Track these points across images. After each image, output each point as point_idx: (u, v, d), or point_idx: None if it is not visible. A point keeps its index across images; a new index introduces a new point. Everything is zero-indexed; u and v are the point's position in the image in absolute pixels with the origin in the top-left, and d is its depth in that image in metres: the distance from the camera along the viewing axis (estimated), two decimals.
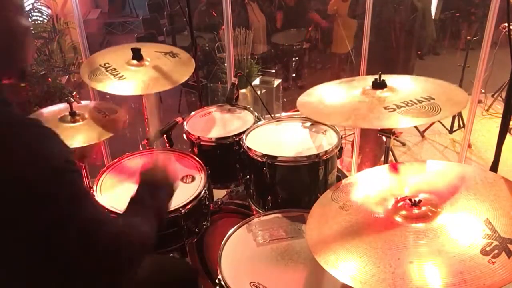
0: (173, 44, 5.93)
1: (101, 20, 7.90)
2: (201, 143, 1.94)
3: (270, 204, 1.72)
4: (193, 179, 1.74)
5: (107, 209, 1.57)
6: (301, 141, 1.76)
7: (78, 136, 1.75)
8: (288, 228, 1.52)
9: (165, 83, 1.94)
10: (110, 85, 1.90)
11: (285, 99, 4.71)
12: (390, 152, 1.75)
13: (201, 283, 1.86)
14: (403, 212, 1.12)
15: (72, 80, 4.50)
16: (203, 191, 1.68)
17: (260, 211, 1.75)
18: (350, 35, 4.97)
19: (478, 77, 2.93)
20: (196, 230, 1.71)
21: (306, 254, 1.37)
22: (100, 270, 0.91)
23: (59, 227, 0.84)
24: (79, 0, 2.69)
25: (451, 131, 4.31)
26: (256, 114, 2.08)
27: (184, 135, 2.02)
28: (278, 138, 1.82)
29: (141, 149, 2.00)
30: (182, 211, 1.59)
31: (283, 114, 4.13)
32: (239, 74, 2.25)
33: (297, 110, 1.63)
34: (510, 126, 1.87)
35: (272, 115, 2.49)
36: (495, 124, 4.43)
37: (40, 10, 4.24)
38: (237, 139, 1.88)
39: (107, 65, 2.00)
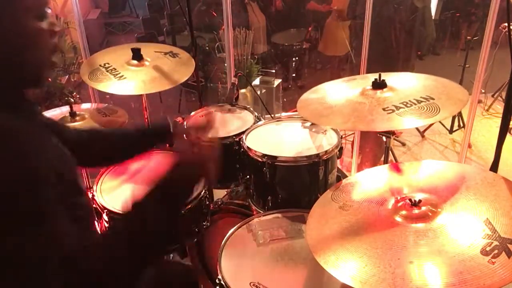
0: (173, 44, 5.93)
1: (101, 20, 7.90)
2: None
3: (270, 204, 1.72)
4: None
5: (107, 209, 1.57)
6: (301, 141, 1.76)
7: None
8: (288, 228, 1.51)
9: (165, 83, 1.95)
10: (110, 85, 1.91)
11: (285, 99, 4.70)
12: (390, 152, 1.75)
13: (201, 283, 1.86)
14: (403, 212, 1.12)
15: (72, 80, 4.51)
16: (203, 191, 1.68)
17: (260, 211, 1.75)
18: (345, 38, 4.95)
19: (478, 77, 2.93)
20: (196, 230, 1.71)
21: (306, 254, 1.37)
22: None
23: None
24: (79, 0, 2.69)
25: (451, 131, 4.31)
26: (256, 114, 2.08)
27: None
28: (278, 138, 1.82)
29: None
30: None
31: (283, 114, 4.12)
32: (239, 74, 2.25)
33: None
34: (510, 126, 1.87)
35: (272, 115, 2.49)
36: (495, 124, 4.44)
37: None
38: (237, 139, 1.88)
39: (107, 65, 2.01)
